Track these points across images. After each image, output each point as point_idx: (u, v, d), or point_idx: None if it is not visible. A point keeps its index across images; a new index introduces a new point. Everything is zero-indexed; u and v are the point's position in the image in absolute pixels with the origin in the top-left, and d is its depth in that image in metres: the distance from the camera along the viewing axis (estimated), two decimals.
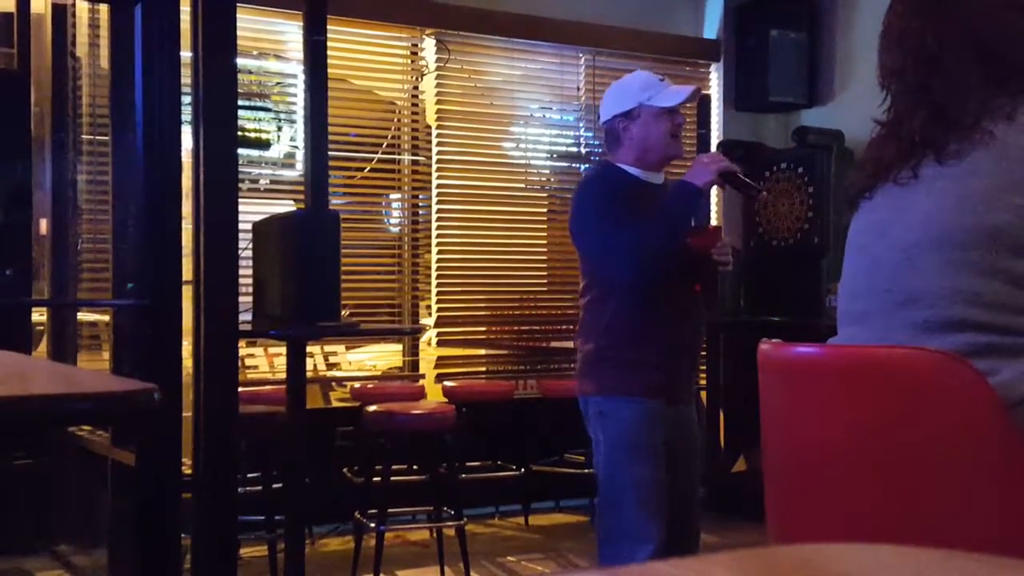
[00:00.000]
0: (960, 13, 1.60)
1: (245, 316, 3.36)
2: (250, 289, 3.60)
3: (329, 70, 3.67)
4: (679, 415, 2.87)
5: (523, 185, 5.87)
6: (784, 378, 1.51)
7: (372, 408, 4.09)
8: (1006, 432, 1.29)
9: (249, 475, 4.22)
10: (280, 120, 5.24)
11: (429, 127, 5.57)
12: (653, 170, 2.91)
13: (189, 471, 2.93)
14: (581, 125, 5.94)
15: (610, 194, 2.82)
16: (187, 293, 2.89)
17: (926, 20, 1.62)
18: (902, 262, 1.50)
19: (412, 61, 5.55)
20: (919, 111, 1.58)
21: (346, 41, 5.26)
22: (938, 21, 1.61)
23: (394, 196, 5.71)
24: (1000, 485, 1.31)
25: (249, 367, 5.20)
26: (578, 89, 5.92)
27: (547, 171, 6.01)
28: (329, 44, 3.55)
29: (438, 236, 5.54)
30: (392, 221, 5.78)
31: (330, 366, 5.51)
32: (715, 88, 6.25)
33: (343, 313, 3.74)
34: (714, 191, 6.11)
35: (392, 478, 4.16)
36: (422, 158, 5.57)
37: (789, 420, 1.52)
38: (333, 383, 5.46)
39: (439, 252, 5.54)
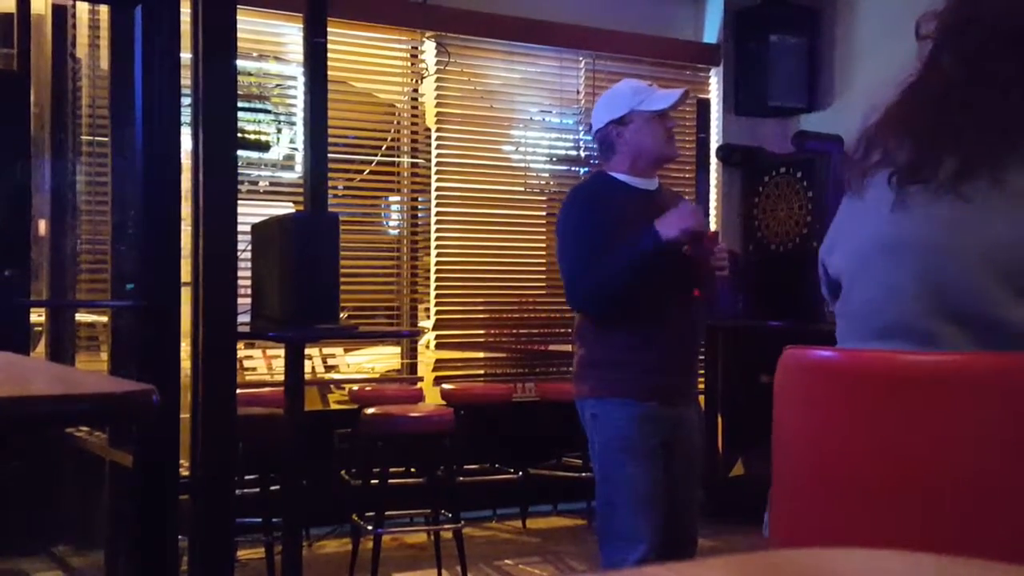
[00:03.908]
0: None
1: (244, 318, 3.36)
2: (249, 291, 3.60)
3: (329, 72, 3.67)
4: (680, 417, 2.87)
5: (522, 188, 5.87)
6: (858, 386, 1.39)
7: (370, 410, 4.09)
8: None
9: (247, 477, 4.22)
10: (280, 122, 5.24)
11: (428, 130, 5.57)
12: (647, 176, 2.93)
13: (187, 472, 2.93)
14: (580, 129, 5.94)
15: (593, 215, 2.82)
16: (186, 295, 2.89)
17: None
18: (968, 291, 1.36)
19: (412, 64, 5.55)
20: (976, 105, 1.35)
21: (346, 43, 5.26)
22: None
23: (393, 199, 5.70)
24: None
25: (247, 369, 5.20)
26: (578, 93, 5.92)
27: (546, 175, 6.01)
28: (329, 46, 3.55)
29: (437, 239, 5.54)
30: (391, 224, 5.78)
31: (328, 368, 5.51)
32: (715, 92, 6.25)
33: (342, 315, 3.74)
34: (713, 199, 6.14)
35: (390, 481, 4.16)
36: (421, 161, 5.57)
37: (845, 430, 1.39)
38: (331, 385, 5.45)
39: (438, 255, 5.54)
